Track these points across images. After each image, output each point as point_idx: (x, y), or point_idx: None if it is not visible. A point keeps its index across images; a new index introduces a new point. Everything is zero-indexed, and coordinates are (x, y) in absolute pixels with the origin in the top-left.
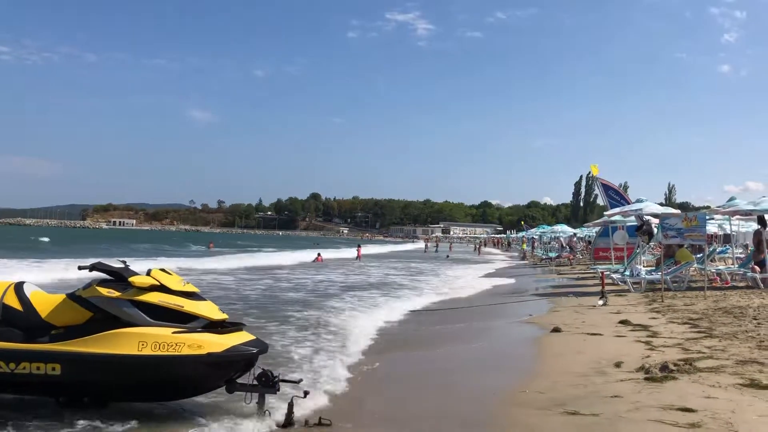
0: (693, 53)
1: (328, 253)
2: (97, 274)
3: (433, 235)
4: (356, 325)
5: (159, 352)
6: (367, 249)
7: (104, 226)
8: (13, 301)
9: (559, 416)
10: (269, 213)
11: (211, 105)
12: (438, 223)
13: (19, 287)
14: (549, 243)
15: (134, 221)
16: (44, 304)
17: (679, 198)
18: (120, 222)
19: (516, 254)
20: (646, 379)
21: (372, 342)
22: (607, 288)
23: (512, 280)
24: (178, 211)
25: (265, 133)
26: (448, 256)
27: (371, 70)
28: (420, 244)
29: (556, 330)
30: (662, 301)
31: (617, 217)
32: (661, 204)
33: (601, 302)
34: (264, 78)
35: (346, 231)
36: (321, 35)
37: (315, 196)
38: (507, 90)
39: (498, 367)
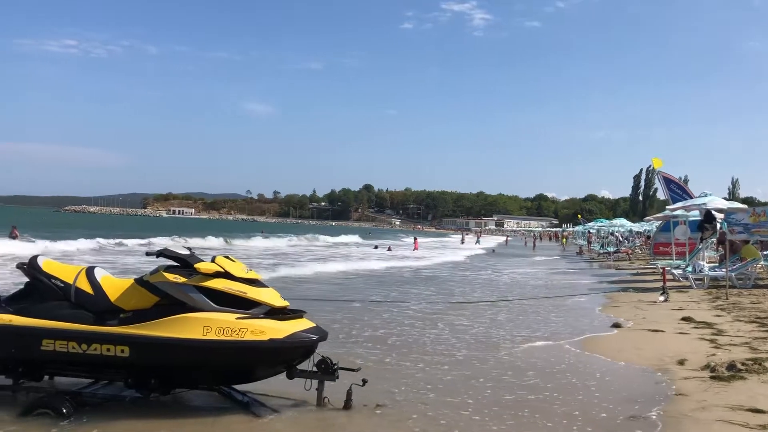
0: (764, 42)
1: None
2: (164, 260)
3: (467, 228)
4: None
5: (223, 337)
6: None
7: (164, 214)
8: (84, 285)
9: (623, 413)
10: (323, 204)
11: (267, 97)
12: (491, 216)
13: (90, 272)
14: (606, 237)
15: (193, 210)
16: (113, 288)
17: (743, 192)
18: (179, 211)
19: (571, 248)
20: (712, 377)
21: (439, 331)
22: (668, 284)
23: (568, 275)
24: (235, 200)
25: (320, 124)
26: (494, 251)
27: (426, 61)
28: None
29: (616, 326)
30: (726, 299)
31: (679, 212)
32: (725, 198)
33: (662, 298)
34: (320, 70)
35: (398, 222)
36: (376, 27)
37: (368, 188)
38: (565, 80)
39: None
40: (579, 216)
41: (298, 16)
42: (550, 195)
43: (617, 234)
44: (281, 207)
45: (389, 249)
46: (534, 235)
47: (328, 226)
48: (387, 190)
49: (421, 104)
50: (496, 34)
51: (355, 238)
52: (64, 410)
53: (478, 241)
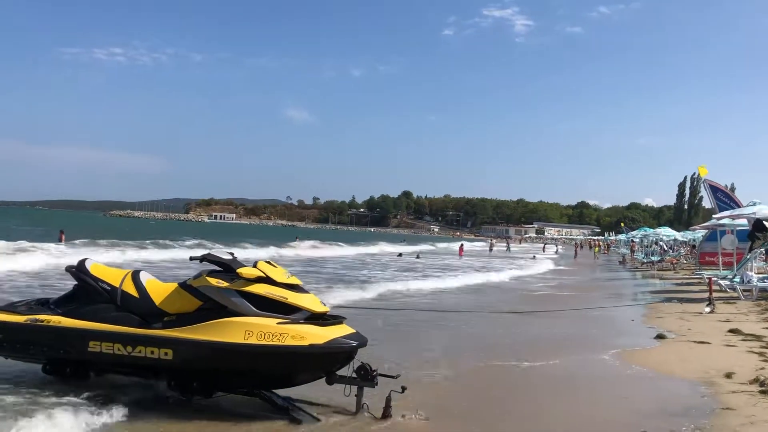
0: None
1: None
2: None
3: (507, 235)
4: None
5: (264, 342)
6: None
7: (206, 219)
8: (130, 289)
9: (667, 426)
10: (362, 210)
11: (307, 104)
12: (532, 223)
13: (136, 275)
14: (650, 246)
15: (234, 215)
16: (158, 291)
17: None
18: (221, 216)
19: (614, 257)
20: (761, 392)
21: (478, 339)
22: (714, 295)
23: (611, 284)
24: (275, 206)
25: (359, 131)
26: (534, 257)
27: (466, 67)
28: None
29: (660, 337)
30: None
31: (726, 221)
32: None
33: (708, 309)
34: (360, 77)
35: (436, 229)
36: (417, 33)
37: (407, 194)
38: (607, 87)
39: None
40: (622, 224)
41: (338, 22)
42: (592, 203)
43: (662, 243)
44: (320, 213)
45: (418, 256)
46: (575, 243)
47: (367, 232)
48: (426, 196)
49: (461, 110)
50: (538, 40)
51: (387, 247)
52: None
53: (508, 249)
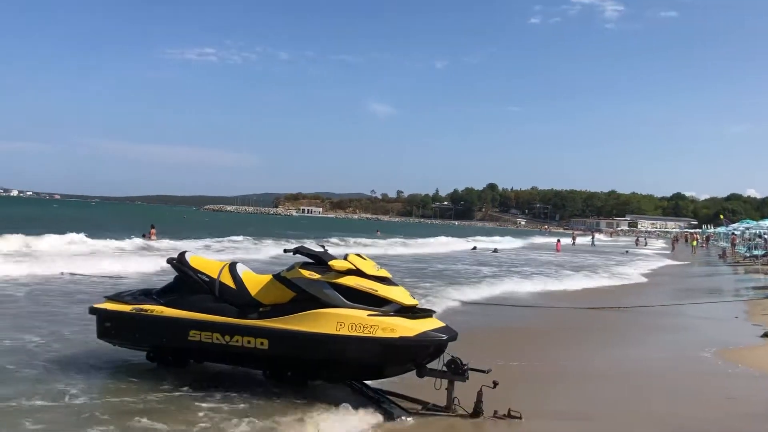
0: None
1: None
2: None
3: (598, 228)
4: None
5: (355, 333)
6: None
7: (294, 213)
8: (228, 280)
9: None
10: (445, 203)
11: (391, 98)
12: (624, 216)
13: (233, 267)
14: (753, 240)
15: (320, 209)
16: (253, 283)
17: None
18: (308, 210)
19: (713, 251)
20: None
21: (568, 334)
22: None
23: (711, 279)
24: (360, 200)
25: (443, 123)
26: (627, 252)
27: (552, 56)
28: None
29: (766, 335)
30: None
31: None
32: None
33: None
34: (443, 70)
35: (523, 222)
36: (502, 23)
37: (492, 187)
38: (703, 72)
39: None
40: (721, 216)
41: (421, 13)
42: (688, 194)
43: (766, 236)
44: (404, 206)
45: (495, 250)
46: (672, 236)
47: (451, 225)
48: (512, 189)
49: (546, 100)
50: (630, 26)
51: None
52: None
53: (592, 243)
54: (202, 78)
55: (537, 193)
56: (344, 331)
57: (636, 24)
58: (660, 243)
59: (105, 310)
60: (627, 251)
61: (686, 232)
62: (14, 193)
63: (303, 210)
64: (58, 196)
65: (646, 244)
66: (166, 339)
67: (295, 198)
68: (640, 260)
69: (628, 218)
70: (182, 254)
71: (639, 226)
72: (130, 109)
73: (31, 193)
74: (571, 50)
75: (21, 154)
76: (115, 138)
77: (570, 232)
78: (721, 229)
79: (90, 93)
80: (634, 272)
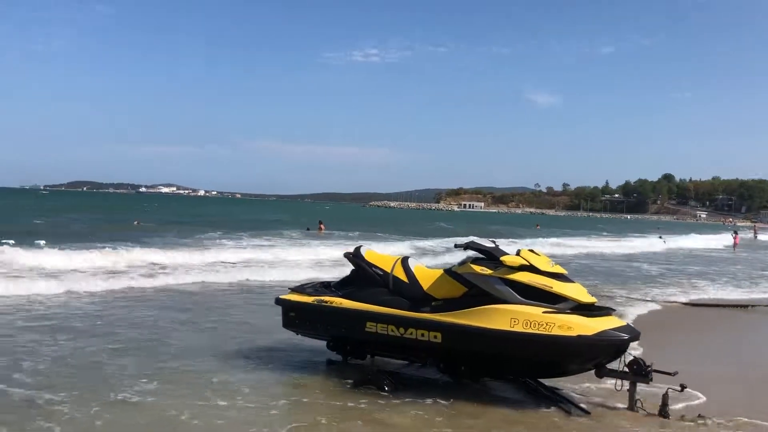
0: None
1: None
2: (471, 253)
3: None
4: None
5: (530, 330)
6: None
7: (455, 208)
8: (400, 274)
9: None
10: (616, 195)
11: (550, 86)
12: None
13: (405, 261)
14: None
15: (482, 204)
16: (425, 277)
17: None
18: (469, 204)
19: None
20: None
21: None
22: None
23: None
24: (523, 194)
25: (611, 112)
26: None
27: (728, 35)
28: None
29: None
30: None
31: None
32: None
33: None
34: (610, 54)
35: (704, 215)
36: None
37: (668, 178)
38: None
39: None
40: None
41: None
42: None
43: None
44: (571, 200)
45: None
46: None
47: (622, 219)
48: (690, 179)
49: (723, 84)
50: None
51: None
52: (386, 387)
53: (755, 237)
54: (360, 78)
55: (719, 184)
56: (518, 328)
57: None
58: None
59: (289, 301)
60: None
61: None
62: (201, 192)
63: (464, 205)
64: (239, 195)
65: None
66: (344, 329)
67: (456, 193)
68: None
69: None
70: (358, 248)
71: None
72: (301, 113)
73: (215, 192)
74: (747, 25)
75: (207, 159)
76: (288, 140)
77: (752, 225)
78: None
79: (267, 102)
80: None
